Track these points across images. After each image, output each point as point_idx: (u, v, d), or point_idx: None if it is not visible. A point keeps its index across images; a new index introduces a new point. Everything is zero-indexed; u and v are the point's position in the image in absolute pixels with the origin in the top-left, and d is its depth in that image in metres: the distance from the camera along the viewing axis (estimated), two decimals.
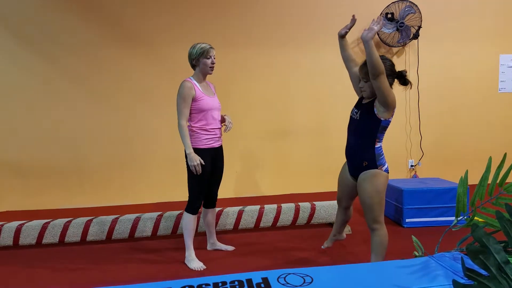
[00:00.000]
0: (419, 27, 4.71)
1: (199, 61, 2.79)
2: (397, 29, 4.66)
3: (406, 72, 2.36)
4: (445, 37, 5.04)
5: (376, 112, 2.25)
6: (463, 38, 5.06)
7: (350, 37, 4.89)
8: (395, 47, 4.85)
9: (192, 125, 2.80)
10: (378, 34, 4.73)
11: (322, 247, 2.93)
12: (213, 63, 2.82)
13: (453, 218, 3.57)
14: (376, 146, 2.30)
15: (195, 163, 2.69)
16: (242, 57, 4.82)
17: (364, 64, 2.26)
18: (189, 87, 2.74)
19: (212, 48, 2.80)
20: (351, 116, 2.45)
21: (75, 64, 4.62)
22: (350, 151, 2.44)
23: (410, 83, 2.37)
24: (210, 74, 2.86)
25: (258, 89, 4.88)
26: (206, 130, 2.81)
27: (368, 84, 2.27)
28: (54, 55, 4.58)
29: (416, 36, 4.76)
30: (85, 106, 4.68)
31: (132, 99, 4.74)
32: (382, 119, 2.25)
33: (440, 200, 3.62)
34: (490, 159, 1.50)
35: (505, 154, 1.45)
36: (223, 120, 2.95)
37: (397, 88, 5.21)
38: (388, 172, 2.37)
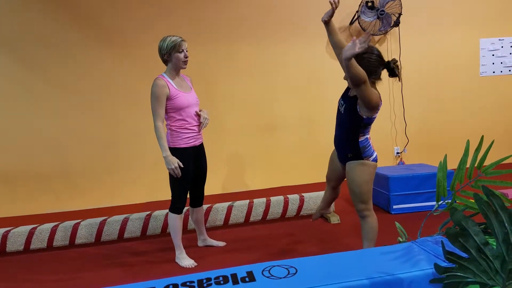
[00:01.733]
0: (400, 14, 4.73)
1: (171, 55, 2.63)
2: (378, 17, 4.67)
3: (396, 62, 2.22)
4: (426, 23, 5.07)
5: (358, 110, 2.21)
6: (443, 23, 5.10)
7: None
8: (376, 35, 4.86)
9: (171, 124, 2.69)
10: (359, 23, 4.74)
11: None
12: (186, 57, 2.66)
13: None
14: (360, 140, 2.29)
15: (173, 166, 2.58)
16: (226, 53, 4.79)
17: None
18: (162, 85, 2.60)
19: (183, 41, 2.64)
20: (338, 108, 2.42)
21: (57, 68, 4.55)
22: (337, 142, 2.47)
23: (399, 75, 2.24)
24: (184, 68, 2.72)
25: (243, 85, 4.86)
26: (186, 128, 2.70)
27: None
28: (36, 58, 4.51)
29: (397, 23, 4.77)
30: (69, 109, 4.62)
31: (116, 101, 4.70)
32: (364, 117, 2.22)
33: (426, 185, 3.66)
34: (467, 142, 1.51)
35: (482, 137, 1.47)
36: (198, 116, 2.77)
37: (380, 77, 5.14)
38: (376, 161, 2.37)
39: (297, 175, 4.99)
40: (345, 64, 1.92)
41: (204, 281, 1.32)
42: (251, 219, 3.54)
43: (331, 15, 2.31)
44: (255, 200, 3.60)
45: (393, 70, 2.21)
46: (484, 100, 5.26)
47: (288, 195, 3.66)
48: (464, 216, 1.19)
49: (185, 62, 2.69)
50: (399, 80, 2.27)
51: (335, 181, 2.67)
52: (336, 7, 2.28)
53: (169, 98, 2.63)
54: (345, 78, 2.29)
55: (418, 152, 5.14)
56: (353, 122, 2.26)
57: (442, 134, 5.21)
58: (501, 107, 5.29)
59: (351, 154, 2.32)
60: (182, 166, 2.63)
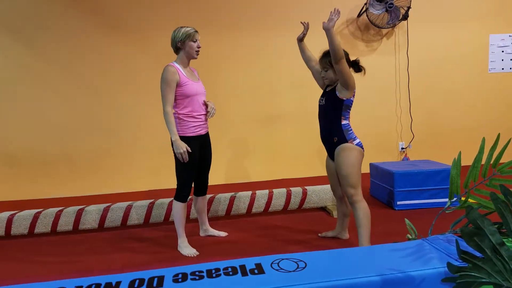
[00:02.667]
0: (409, 7, 4.67)
1: (184, 43, 2.70)
2: (386, 10, 4.60)
3: (359, 61, 2.60)
4: (435, 17, 5.01)
5: (338, 94, 2.48)
6: (452, 18, 5.04)
7: (339, 20, 4.86)
8: (384, 28, 4.80)
9: (179, 112, 2.72)
10: (367, 15, 4.68)
11: (319, 235, 2.98)
12: (199, 47, 2.75)
13: (444, 200, 3.61)
14: (342, 123, 2.51)
15: (181, 151, 2.62)
16: (230, 43, 4.75)
17: (323, 55, 2.56)
18: (173, 72, 2.65)
19: (197, 32, 2.73)
20: (319, 104, 2.66)
21: (63, 52, 4.54)
22: (323, 134, 2.64)
23: (364, 69, 2.59)
24: (195, 58, 2.78)
25: (246, 75, 4.83)
26: (193, 117, 2.73)
27: (329, 72, 2.55)
28: (41, 43, 4.50)
29: (405, 17, 4.71)
30: (74, 94, 4.61)
31: (121, 87, 4.68)
32: (344, 98, 2.48)
33: (431, 182, 3.64)
34: (483, 140, 1.48)
35: (498, 135, 1.44)
36: (205, 106, 2.85)
37: (387, 71, 5.14)
38: (362, 148, 2.52)
39: (300, 167, 4.98)
40: (329, 35, 2.29)
41: (213, 271, 1.31)
42: (253, 210, 3.53)
43: (305, 33, 2.80)
44: (258, 192, 3.59)
45: (358, 65, 2.58)
46: (492, 97, 5.21)
47: (291, 188, 3.64)
48: (480, 215, 1.17)
49: (197, 52, 2.77)
50: (364, 74, 2.57)
51: (336, 185, 2.78)
52: (308, 28, 2.77)
53: (178, 85, 2.67)
54: (321, 77, 2.65)
55: (423, 148, 5.11)
56: (334, 106, 2.51)
57: (448, 131, 5.18)
58: (509, 104, 5.24)
59: (336, 137, 2.51)
60: (190, 150, 2.66)
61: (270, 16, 4.78)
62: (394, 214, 3.51)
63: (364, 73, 2.57)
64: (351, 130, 2.53)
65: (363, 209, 2.46)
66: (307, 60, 2.82)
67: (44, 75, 4.52)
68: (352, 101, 2.51)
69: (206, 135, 2.90)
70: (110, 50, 4.60)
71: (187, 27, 2.72)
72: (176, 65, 2.72)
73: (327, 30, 2.30)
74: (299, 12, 4.80)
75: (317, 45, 4.85)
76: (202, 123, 2.80)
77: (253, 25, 4.77)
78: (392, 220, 3.29)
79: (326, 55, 2.53)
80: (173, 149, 2.71)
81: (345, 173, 2.46)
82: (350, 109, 2.53)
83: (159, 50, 4.56)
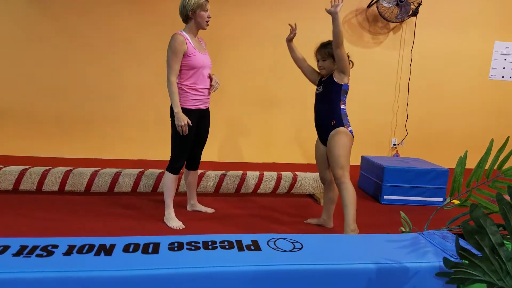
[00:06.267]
0: (419, 4, 4.63)
1: (195, 13, 2.61)
2: (397, 4, 4.56)
3: (349, 54, 2.63)
4: (444, 18, 4.99)
5: (336, 80, 2.57)
6: (461, 20, 5.02)
7: (348, 8, 4.81)
8: (392, 22, 4.76)
9: (182, 82, 2.66)
10: (377, 7, 4.63)
11: (305, 221, 3.00)
12: (209, 17, 2.67)
13: (430, 199, 3.65)
14: (341, 107, 2.60)
15: (182, 123, 2.59)
16: (236, 19, 4.67)
17: (322, 46, 2.64)
18: (181, 41, 2.57)
19: (207, 1, 2.65)
20: (316, 93, 2.72)
21: (64, 13, 4.42)
22: (319, 118, 2.70)
23: (352, 63, 2.66)
24: (205, 29, 2.71)
25: (249, 55, 4.76)
26: (195, 89, 2.68)
27: (326, 62, 2.62)
28: (45, 1, 4.36)
29: (415, 13, 4.67)
30: (71, 55, 4.51)
31: (120, 54, 4.59)
32: (342, 83, 2.57)
33: (420, 180, 3.66)
34: (491, 141, 1.48)
35: (507, 138, 1.44)
36: (210, 79, 2.78)
37: (390, 65, 5.11)
38: (353, 135, 2.61)
39: (292, 153, 4.97)
40: (335, 18, 2.38)
41: (210, 243, 1.30)
42: (242, 190, 3.52)
43: (293, 37, 2.81)
44: (249, 173, 3.58)
45: (348, 58, 2.63)
46: (489, 103, 5.24)
47: (282, 172, 3.64)
48: (483, 213, 1.17)
49: (207, 23, 2.69)
50: (352, 67, 2.63)
51: (327, 172, 2.80)
52: (295, 29, 2.77)
53: (185, 55, 2.60)
54: (318, 66, 2.71)
55: (414, 147, 5.14)
56: (333, 91, 2.59)
57: (441, 132, 5.21)
58: (504, 112, 5.28)
59: (334, 120, 2.59)
60: (191, 124, 2.64)
61: None
62: (380, 207, 3.54)
63: (352, 65, 2.62)
64: (347, 116, 2.62)
65: (349, 189, 2.52)
66: (297, 59, 2.86)
67: (45, 33, 4.43)
68: (348, 86, 2.60)
69: (206, 110, 2.85)
70: (115, 17, 4.50)
71: None
72: (185, 34, 2.64)
73: (335, 13, 2.37)
74: None
75: (321, 31, 4.81)
76: (204, 97, 2.75)
77: (264, 3, 4.69)
78: (378, 213, 3.32)
79: (325, 46, 2.62)
80: (171, 120, 2.67)
81: (337, 153, 2.53)
82: (347, 94, 2.62)
83: (165, 19, 4.47)
